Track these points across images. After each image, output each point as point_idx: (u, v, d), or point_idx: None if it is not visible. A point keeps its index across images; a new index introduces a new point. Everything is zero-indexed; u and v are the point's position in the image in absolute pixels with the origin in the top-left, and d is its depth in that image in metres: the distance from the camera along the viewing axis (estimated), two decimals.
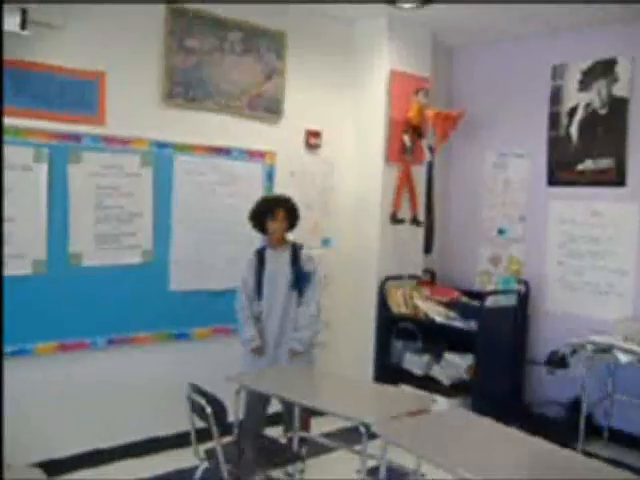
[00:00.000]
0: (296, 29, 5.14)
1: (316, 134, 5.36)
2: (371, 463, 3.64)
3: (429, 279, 5.93)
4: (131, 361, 4.52)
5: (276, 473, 3.82)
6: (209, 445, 3.31)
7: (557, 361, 5.05)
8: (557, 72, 5.48)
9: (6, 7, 3.70)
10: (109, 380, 4.43)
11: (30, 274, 4.07)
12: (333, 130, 5.48)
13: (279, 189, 5.12)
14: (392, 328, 5.55)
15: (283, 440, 4.08)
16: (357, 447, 3.98)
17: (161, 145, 4.54)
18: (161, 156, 4.55)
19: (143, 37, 4.43)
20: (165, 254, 4.61)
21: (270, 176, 5.09)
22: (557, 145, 5.49)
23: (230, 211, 4.88)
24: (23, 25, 3.78)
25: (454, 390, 5.16)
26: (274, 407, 4.54)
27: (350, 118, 5.57)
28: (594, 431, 5.12)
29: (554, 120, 5.51)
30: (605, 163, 5.22)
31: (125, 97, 4.36)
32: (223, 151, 4.83)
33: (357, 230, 5.59)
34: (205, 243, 4.80)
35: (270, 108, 5.05)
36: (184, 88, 4.60)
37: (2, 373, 3.47)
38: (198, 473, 3.41)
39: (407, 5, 4.90)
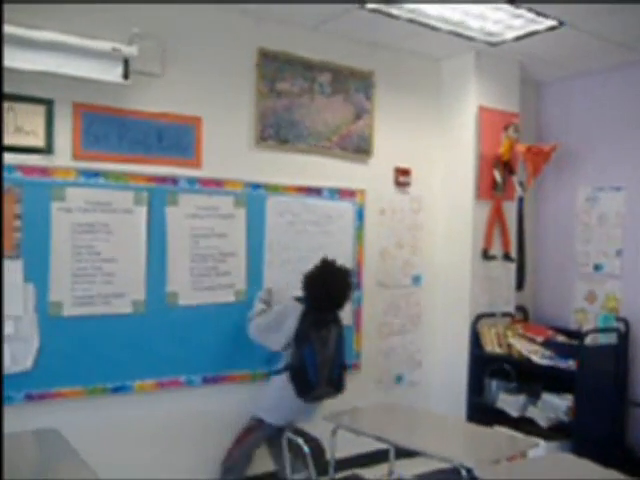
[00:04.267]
0: (384, 69, 5.19)
1: (405, 172, 5.36)
2: None
3: (522, 317, 5.79)
4: (225, 398, 4.56)
5: None
6: None
7: None
8: None
9: (109, 57, 3.91)
10: (205, 417, 4.48)
11: (130, 313, 4.19)
12: (422, 168, 5.48)
13: (369, 227, 5.15)
14: (485, 367, 5.43)
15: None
16: None
17: (254, 186, 4.63)
18: (254, 197, 4.64)
19: (236, 82, 4.57)
20: (257, 292, 4.67)
21: (360, 215, 5.11)
22: None
23: (321, 250, 4.90)
24: (126, 75, 3.97)
25: (552, 432, 4.99)
26: (372, 446, 4.48)
27: (439, 155, 5.56)
28: None
29: None
30: None
31: (220, 140, 4.50)
32: (314, 191, 4.89)
33: (448, 267, 5.53)
34: (297, 282, 4.80)
35: (360, 147, 5.10)
36: (275, 130, 4.71)
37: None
38: None
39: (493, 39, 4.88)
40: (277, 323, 4.29)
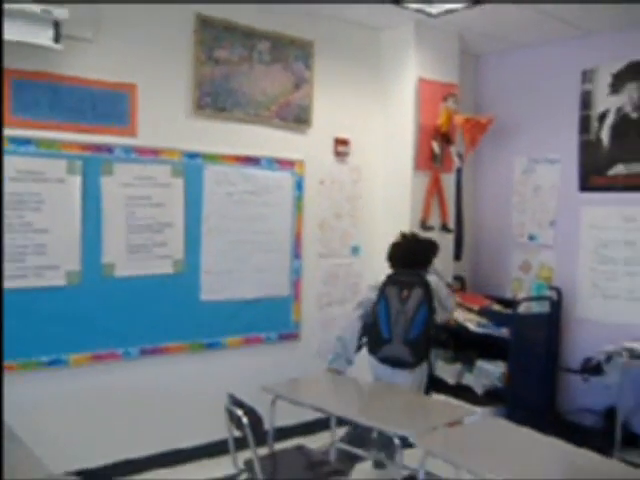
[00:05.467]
0: (323, 38, 5.14)
1: (344, 142, 5.35)
2: (405, 472, 3.63)
3: (459, 286, 5.89)
4: (163, 371, 4.53)
5: None
6: (245, 454, 3.30)
7: (591, 368, 4.99)
8: (587, 76, 5.43)
9: (38, 21, 3.76)
10: (142, 390, 4.44)
11: (64, 285, 4.10)
12: (361, 138, 5.48)
13: (308, 197, 5.14)
14: None
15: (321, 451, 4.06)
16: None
17: (191, 155, 4.56)
18: (191, 166, 4.57)
19: (172, 49, 4.46)
20: (196, 264, 4.63)
21: (299, 185, 5.09)
22: (588, 150, 5.44)
23: (260, 220, 4.89)
24: (56, 39, 3.82)
25: (487, 398, 5.11)
26: (311, 415, 4.53)
27: (378, 126, 5.56)
28: (631, 439, 5.04)
29: (584, 125, 5.46)
30: (637, 168, 5.16)
31: (156, 108, 4.40)
32: (252, 160, 4.84)
33: (387, 238, 5.54)
34: (235, 253, 4.81)
35: (299, 117, 5.06)
36: (213, 98, 4.63)
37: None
38: None
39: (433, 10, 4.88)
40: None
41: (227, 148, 4.72)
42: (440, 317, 4.44)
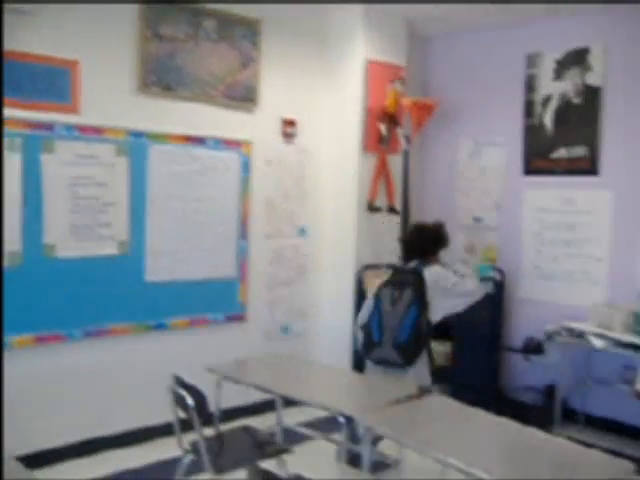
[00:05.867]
0: (271, 17, 5.10)
1: (292, 123, 5.33)
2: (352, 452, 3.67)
3: None
4: (109, 353, 4.47)
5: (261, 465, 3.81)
6: (191, 435, 3.29)
7: (533, 347, 5.12)
8: (531, 61, 5.51)
9: None
10: (87, 372, 4.38)
11: (5, 266, 3.99)
12: (309, 119, 5.46)
13: (255, 178, 5.12)
14: None
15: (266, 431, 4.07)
16: (336, 436, 4.01)
17: (136, 134, 4.48)
18: (136, 145, 4.49)
19: (116, 25, 4.36)
20: (141, 245, 4.56)
21: (246, 165, 5.06)
22: (532, 134, 5.54)
23: (206, 201, 4.85)
24: None
25: (433, 377, 5.17)
26: (257, 396, 4.53)
27: (326, 107, 5.55)
28: (569, 416, 5.20)
29: (529, 109, 5.55)
30: (579, 152, 5.27)
31: (99, 86, 4.30)
32: (199, 140, 4.79)
33: (334, 219, 5.59)
34: (181, 233, 4.76)
35: (246, 97, 5.01)
36: (159, 76, 4.55)
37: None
38: (183, 465, 3.38)
39: None
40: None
41: (173, 127, 4.66)
42: (457, 306, 4.22)
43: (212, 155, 4.87)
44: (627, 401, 4.85)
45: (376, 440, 3.69)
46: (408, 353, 4.06)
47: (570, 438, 3.24)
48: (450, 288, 4.13)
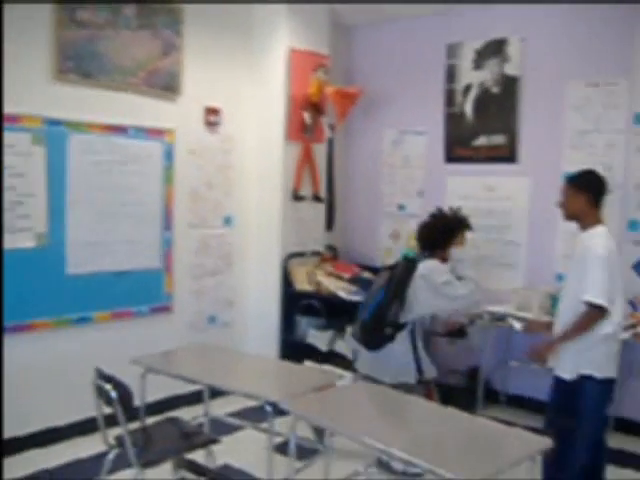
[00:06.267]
0: (194, 6, 5.02)
1: (215, 111, 5.28)
2: (279, 439, 3.68)
3: (331, 255, 5.99)
4: (29, 349, 4.34)
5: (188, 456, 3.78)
6: (118, 430, 3.23)
7: (456, 331, 5.22)
8: (452, 51, 5.62)
9: None
10: (7, 369, 4.22)
11: None
12: (233, 108, 5.42)
13: (179, 167, 5.05)
14: (296, 305, 5.58)
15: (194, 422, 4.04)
16: (264, 425, 4.01)
17: (53, 123, 4.34)
18: (53, 134, 4.35)
19: (31, 9, 4.20)
20: (61, 236, 4.44)
21: (169, 154, 4.99)
22: (453, 122, 5.65)
23: (129, 191, 4.75)
24: None
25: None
26: (186, 388, 4.48)
27: (250, 95, 5.51)
28: (492, 396, 5.35)
29: (450, 98, 5.65)
30: (498, 140, 5.41)
31: (13, 72, 4.13)
32: (120, 129, 4.68)
33: (259, 208, 5.57)
34: (103, 224, 4.65)
35: (168, 85, 4.93)
36: (77, 63, 4.42)
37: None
38: (108, 460, 3.33)
39: None
40: None
41: (93, 116, 4.54)
42: (443, 308, 4.02)
43: (134, 144, 4.77)
44: (546, 380, 5.02)
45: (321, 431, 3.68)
46: (365, 333, 4.00)
47: (493, 418, 3.33)
48: (438, 286, 3.87)
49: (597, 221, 3.44)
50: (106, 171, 4.63)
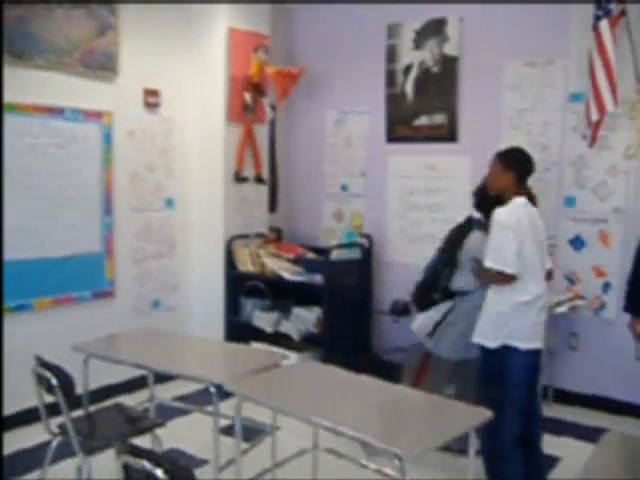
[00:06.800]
0: None
1: (154, 93, 5.19)
2: (226, 422, 3.68)
3: (275, 237, 5.98)
4: None
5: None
6: (61, 419, 3.18)
7: (400, 309, 5.29)
8: (392, 31, 5.63)
9: None
10: None
11: None
12: (173, 89, 5.34)
13: (118, 150, 4.97)
14: (241, 287, 5.57)
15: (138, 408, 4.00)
16: (209, 408, 4.00)
17: None
18: None
19: None
20: None
21: (108, 137, 4.89)
22: (394, 102, 5.67)
23: (67, 174, 4.65)
24: None
25: (305, 344, 5.28)
26: (130, 373, 4.44)
27: (190, 76, 5.43)
28: None
29: (390, 78, 5.68)
30: (439, 119, 5.47)
31: None
32: (56, 111, 4.56)
33: (201, 190, 5.52)
34: (41, 209, 4.54)
35: (104, 65, 4.82)
36: (8, 42, 4.27)
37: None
38: (51, 449, 3.28)
39: None
40: None
41: (27, 97, 4.41)
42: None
43: (71, 126, 4.66)
44: None
45: None
46: (416, 293, 4.12)
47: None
48: (464, 258, 3.84)
49: (517, 195, 3.43)
50: (43, 154, 4.52)
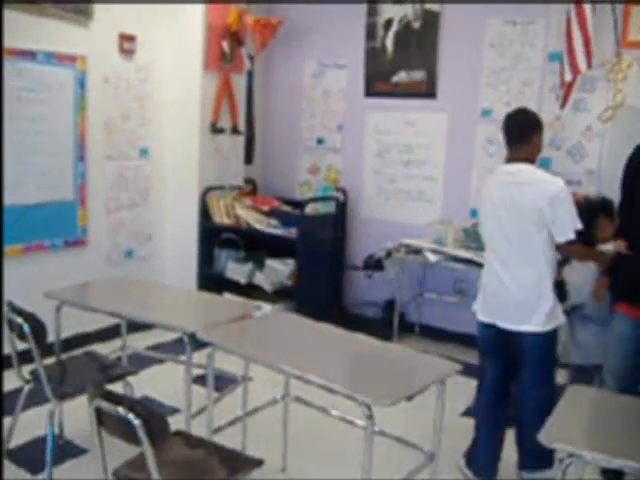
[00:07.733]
0: None
1: (130, 38, 5.08)
2: (199, 372, 3.71)
3: (250, 189, 5.96)
4: None
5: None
6: (33, 366, 3.18)
7: (373, 264, 5.33)
8: None
9: None
10: None
11: None
12: (149, 35, 5.22)
13: (92, 96, 4.87)
14: (215, 238, 5.56)
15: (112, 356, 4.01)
16: (182, 357, 4.02)
17: None
18: None
19: None
20: None
21: (82, 82, 4.79)
22: (373, 56, 5.62)
23: (39, 120, 4.56)
24: None
25: (277, 296, 5.31)
26: (103, 322, 4.44)
27: (167, 23, 5.31)
28: (407, 328, 5.53)
29: (371, 32, 5.61)
30: (418, 75, 5.43)
31: None
32: (27, 54, 4.44)
33: (177, 140, 5.45)
34: (12, 155, 4.46)
35: (78, 8, 4.69)
36: None
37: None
38: (22, 395, 3.28)
39: None
40: None
41: None
42: None
43: (43, 70, 4.55)
44: (457, 311, 5.23)
45: None
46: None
47: (408, 347, 3.44)
48: None
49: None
50: (14, 99, 4.41)
